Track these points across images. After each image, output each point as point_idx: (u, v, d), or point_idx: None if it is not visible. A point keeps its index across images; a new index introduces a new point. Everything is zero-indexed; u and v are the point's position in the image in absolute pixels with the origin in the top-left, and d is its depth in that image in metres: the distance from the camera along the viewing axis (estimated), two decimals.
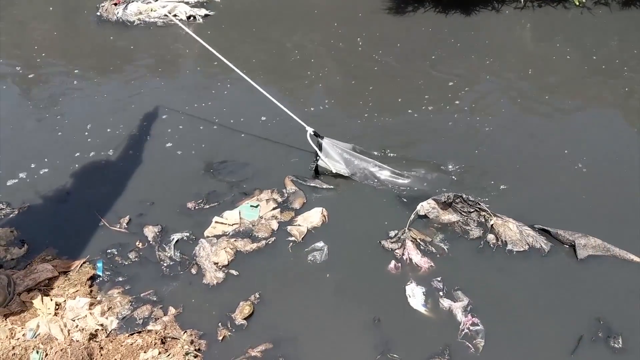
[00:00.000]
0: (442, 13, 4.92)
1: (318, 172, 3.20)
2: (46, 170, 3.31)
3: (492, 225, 2.78)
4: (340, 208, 2.98)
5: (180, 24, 3.36)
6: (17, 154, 3.47)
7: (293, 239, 2.82)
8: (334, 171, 3.14)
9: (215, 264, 2.69)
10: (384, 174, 3.13)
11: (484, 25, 4.76)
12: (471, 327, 2.33)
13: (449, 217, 2.87)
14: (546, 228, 2.77)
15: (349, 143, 3.29)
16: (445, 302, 2.44)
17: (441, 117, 3.67)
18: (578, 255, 2.62)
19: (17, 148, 3.52)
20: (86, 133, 3.62)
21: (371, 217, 2.92)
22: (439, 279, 2.55)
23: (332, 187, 3.11)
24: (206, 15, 4.94)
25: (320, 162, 3.17)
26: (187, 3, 5.01)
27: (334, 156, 3.15)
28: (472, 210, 2.85)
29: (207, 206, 3.05)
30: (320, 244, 2.75)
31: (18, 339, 2.32)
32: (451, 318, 2.39)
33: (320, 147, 3.17)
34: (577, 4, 4.81)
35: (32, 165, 3.35)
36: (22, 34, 4.88)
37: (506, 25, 4.78)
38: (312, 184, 3.14)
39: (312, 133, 3.15)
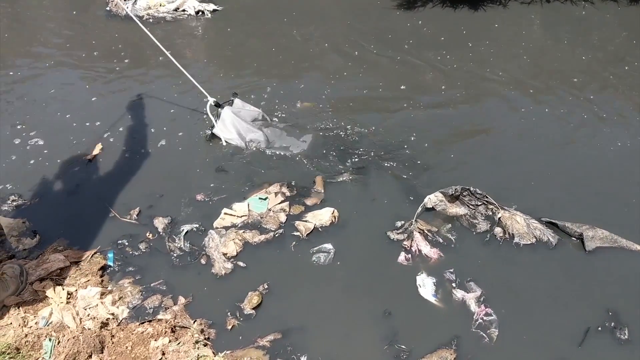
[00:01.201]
0: (450, 7, 4.92)
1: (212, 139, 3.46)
2: (57, 161, 3.34)
3: (499, 218, 2.80)
4: (349, 202, 3.00)
5: (138, 22, 3.53)
6: (25, 144, 3.50)
7: (298, 234, 2.84)
8: (224, 143, 3.39)
9: (224, 254, 2.72)
10: (277, 144, 3.40)
11: (492, 20, 4.75)
12: (485, 317, 2.36)
13: (457, 210, 2.89)
14: (553, 221, 2.78)
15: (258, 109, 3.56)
16: (459, 293, 2.47)
17: (441, 111, 3.68)
18: (586, 247, 2.63)
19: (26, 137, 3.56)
20: (97, 123, 3.65)
21: (379, 211, 2.94)
22: (451, 270, 2.57)
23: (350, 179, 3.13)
24: (215, 10, 4.96)
25: (215, 131, 3.42)
26: None
27: (229, 127, 3.40)
28: (480, 203, 2.86)
29: (216, 198, 3.07)
30: (328, 246, 2.75)
31: (31, 327, 2.36)
32: (461, 308, 2.42)
33: (218, 116, 3.43)
34: None
35: (41, 158, 3.38)
36: (31, 29, 4.91)
37: (514, 20, 4.78)
38: (340, 179, 3.15)
39: (213, 103, 3.43)
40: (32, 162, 3.35)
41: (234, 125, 3.39)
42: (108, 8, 5.00)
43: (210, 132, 3.43)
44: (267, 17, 4.92)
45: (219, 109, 3.41)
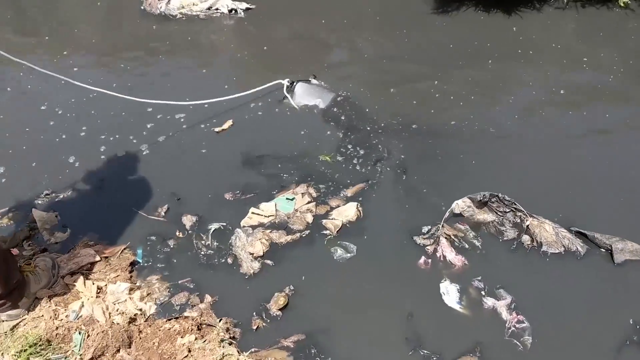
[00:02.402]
0: (483, 12, 4.88)
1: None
2: (88, 157, 3.40)
3: (527, 225, 2.77)
4: (375, 203, 3.00)
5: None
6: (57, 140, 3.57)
7: (328, 232, 2.85)
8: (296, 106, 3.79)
9: (251, 254, 2.74)
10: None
11: (526, 25, 4.70)
12: (517, 325, 2.35)
13: (484, 216, 2.87)
14: (583, 231, 2.75)
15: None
16: (489, 301, 2.46)
17: (472, 115, 3.65)
18: (615, 260, 2.60)
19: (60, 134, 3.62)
20: (124, 120, 3.70)
21: (405, 212, 2.93)
22: (479, 278, 2.56)
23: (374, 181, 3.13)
24: (247, 9, 4.99)
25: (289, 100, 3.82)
26: None
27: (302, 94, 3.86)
28: (508, 210, 2.84)
29: (244, 197, 3.10)
30: (351, 246, 2.76)
31: (61, 319, 2.41)
32: (489, 316, 2.41)
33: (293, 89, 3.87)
34: (622, 5, 4.72)
35: (72, 156, 3.44)
36: (69, 27, 5.00)
37: (548, 25, 4.71)
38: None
39: (288, 83, 3.85)
40: (64, 156, 3.41)
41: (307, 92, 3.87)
42: (142, 7, 5.06)
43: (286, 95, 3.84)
44: (298, 17, 4.93)
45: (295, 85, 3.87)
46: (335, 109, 3.74)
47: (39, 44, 4.74)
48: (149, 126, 3.65)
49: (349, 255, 2.71)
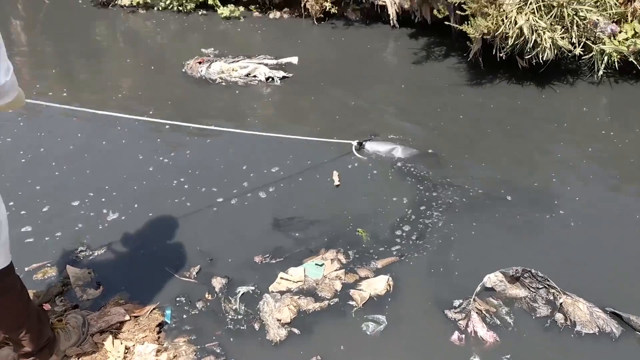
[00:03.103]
0: (517, 84, 4.96)
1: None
2: (125, 214, 3.48)
3: (561, 303, 2.71)
4: (406, 276, 2.98)
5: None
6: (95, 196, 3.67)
7: (354, 303, 2.83)
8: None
9: (278, 320, 2.73)
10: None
11: (559, 98, 4.75)
12: None
13: (517, 291, 2.82)
14: (618, 312, 2.68)
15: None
16: None
17: (505, 190, 3.65)
18: None
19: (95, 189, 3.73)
20: (164, 184, 3.80)
21: (436, 286, 2.91)
22: (508, 356, 2.50)
23: (402, 258, 3.12)
24: (284, 77, 5.16)
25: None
26: (266, 65, 5.26)
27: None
28: (541, 286, 2.79)
29: (274, 261, 3.12)
30: (381, 317, 2.73)
31: None
32: None
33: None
34: None
35: (110, 212, 3.53)
36: (112, 82, 5.21)
37: (581, 99, 4.76)
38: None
39: (357, 145, 4.02)
40: (104, 211, 3.50)
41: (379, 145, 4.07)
42: (184, 70, 5.28)
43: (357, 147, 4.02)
44: (333, 86, 5.06)
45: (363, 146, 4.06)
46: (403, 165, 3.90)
47: (86, 100, 4.93)
48: (186, 186, 3.73)
49: (380, 327, 2.68)
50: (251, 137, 3.92)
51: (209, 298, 2.88)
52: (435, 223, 3.33)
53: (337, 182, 3.69)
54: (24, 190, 3.72)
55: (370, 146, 4.05)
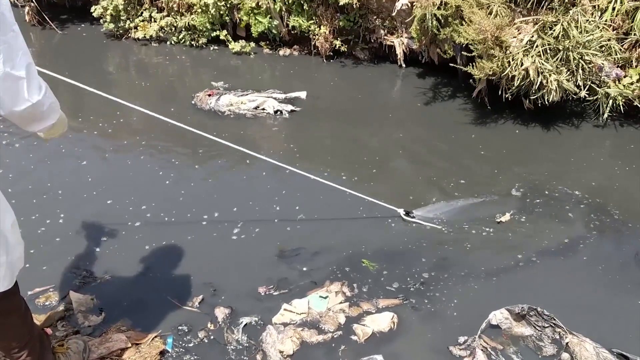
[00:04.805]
0: (522, 125, 5.01)
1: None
2: (129, 242, 3.49)
3: (567, 343, 2.68)
4: (409, 310, 2.96)
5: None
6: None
7: (356, 338, 2.81)
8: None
9: (281, 352, 2.70)
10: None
11: (563, 140, 4.79)
12: None
13: (522, 330, 2.79)
14: (625, 354, 2.64)
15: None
16: None
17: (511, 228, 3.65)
18: None
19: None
20: (168, 212, 3.80)
21: (441, 323, 2.88)
22: None
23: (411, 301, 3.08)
24: (292, 111, 5.22)
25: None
26: (275, 99, 5.32)
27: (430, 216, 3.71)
28: (547, 325, 2.76)
29: (277, 292, 3.10)
30: (379, 358, 2.68)
31: None
32: None
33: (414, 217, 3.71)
34: None
35: (114, 239, 3.53)
36: (122, 113, 5.27)
37: (585, 142, 4.80)
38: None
39: (404, 214, 3.67)
40: (107, 239, 3.51)
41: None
42: (193, 102, 5.35)
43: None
44: (341, 120, 5.12)
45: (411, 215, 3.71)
46: None
47: (88, 129, 4.97)
48: (189, 215, 3.74)
49: None
50: (262, 167, 3.94)
51: (212, 328, 2.86)
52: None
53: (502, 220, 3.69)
54: (29, 213, 3.73)
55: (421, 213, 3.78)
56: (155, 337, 2.79)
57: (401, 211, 3.66)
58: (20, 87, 1.64)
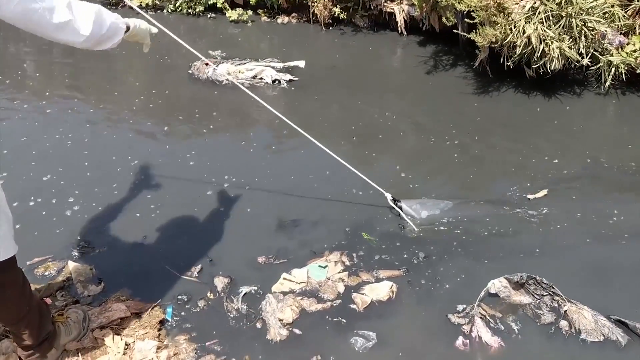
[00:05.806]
0: (523, 94, 4.96)
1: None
2: (128, 211, 3.48)
3: (565, 311, 2.69)
4: (410, 284, 2.96)
5: (238, 84, 3.67)
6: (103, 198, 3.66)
7: (355, 307, 2.81)
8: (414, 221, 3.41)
9: (280, 320, 2.71)
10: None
11: (566, 109, 4.75)
12: None
13: (521, 298, 2.80)
14: (623, 320, 2.65)
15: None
16: None
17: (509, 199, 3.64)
18: None
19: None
20: (167, 181, 3.78)
21: (441, 292, 2.88)
22: None
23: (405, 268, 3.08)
24: (290, 80, 5.16)
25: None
26: (273, 68, 5.26)
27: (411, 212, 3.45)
28: (545, 293, 2.77)
29: (277, 262, 3.10)
30: (371, 334, 2.66)
31: None
32: None
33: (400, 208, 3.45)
34: None
35: (111, 207, 3.52)
36: (120, 85, 5.22)
37: (588, 110, 4.76)
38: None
39: (392, 199, 3.45)
40: (100, 208, 3.49)
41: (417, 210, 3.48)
42: (190, 71, 5.29)
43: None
44: (339, 90, 5.07)
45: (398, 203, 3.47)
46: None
47: (85, 100, 4.93)
48: (187, 187, 3.72)
49: (369, 344, 2.61)
50: (262, 138, 3.91)
51: (211, 297, 2.87)
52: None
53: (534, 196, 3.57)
54: (28, 184, 3.71)
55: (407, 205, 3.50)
56: (155, 306, 2.80)
57: (388, 196, 3.45)
58: (73, 28, 1.89)
